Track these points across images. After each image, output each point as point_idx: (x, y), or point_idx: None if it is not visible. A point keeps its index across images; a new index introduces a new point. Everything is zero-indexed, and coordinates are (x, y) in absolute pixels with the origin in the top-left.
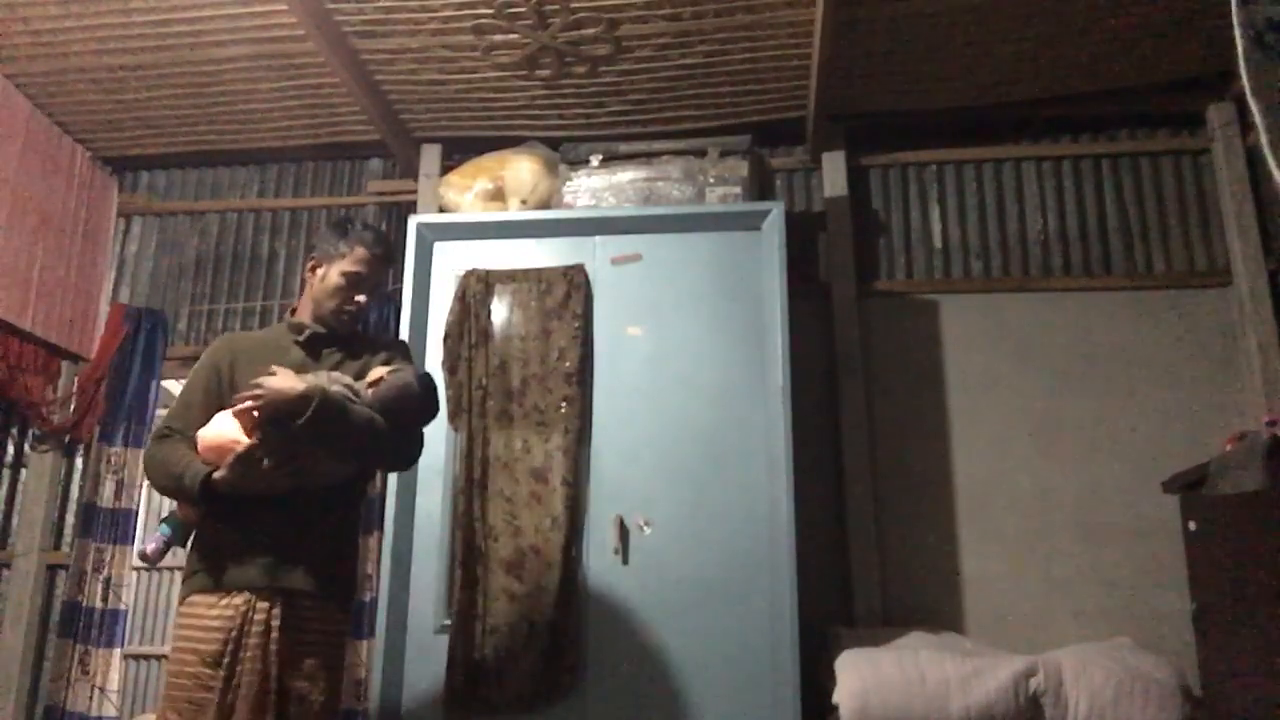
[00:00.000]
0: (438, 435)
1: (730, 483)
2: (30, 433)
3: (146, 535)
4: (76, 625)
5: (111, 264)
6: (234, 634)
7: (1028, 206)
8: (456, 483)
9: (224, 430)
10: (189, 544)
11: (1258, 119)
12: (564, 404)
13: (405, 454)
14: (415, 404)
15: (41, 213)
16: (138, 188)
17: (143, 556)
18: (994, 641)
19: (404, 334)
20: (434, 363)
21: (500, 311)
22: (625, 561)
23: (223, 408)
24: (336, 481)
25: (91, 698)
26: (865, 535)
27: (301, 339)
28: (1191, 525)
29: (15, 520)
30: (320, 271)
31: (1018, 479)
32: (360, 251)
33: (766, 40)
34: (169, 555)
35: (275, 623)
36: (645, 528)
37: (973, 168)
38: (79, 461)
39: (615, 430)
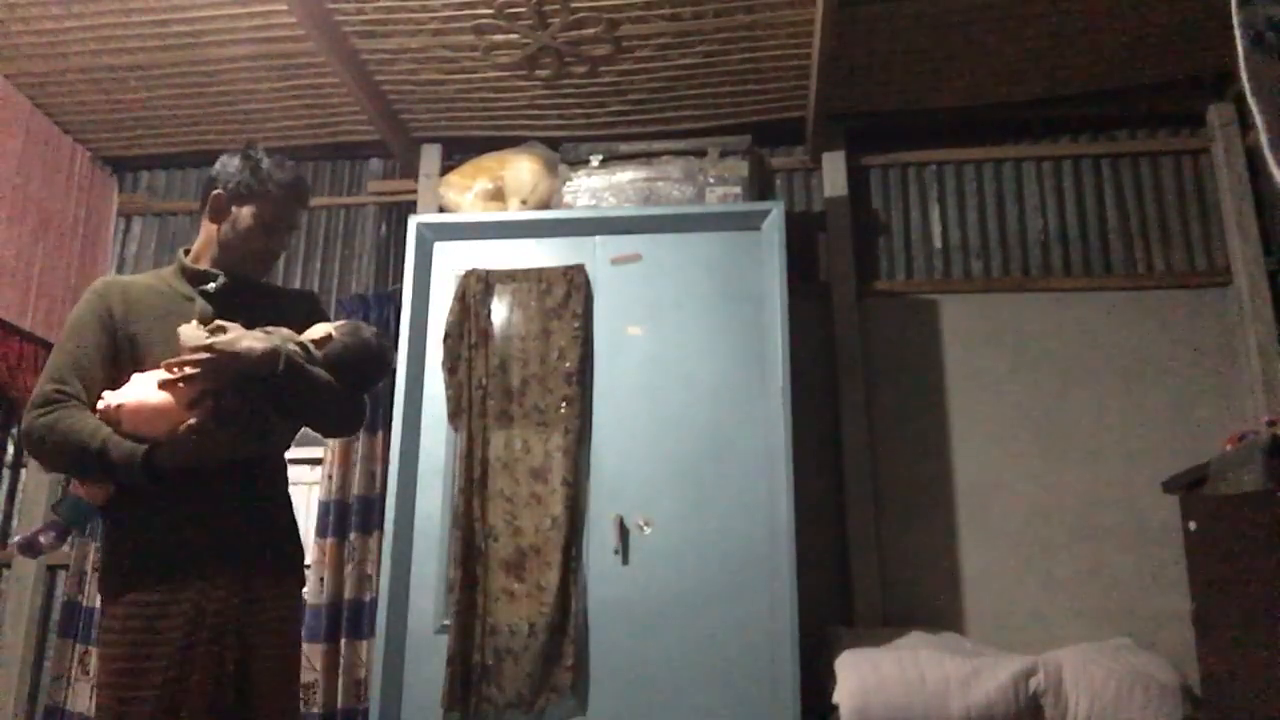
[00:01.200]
0: (438, 435)
1: (730, 483)
2: None
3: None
4: (76, 625)
5: (111, 264)
6: (187, 631)
7: (1028, 206)
8: (456, 483)
9: (154, 396)
10: (104, 532)
11: (1258, 119)
12: (564, 404)
13: (358, 417)
14: (375, 363)
15: (41, 213)
16: (138, 188)
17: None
18: (994, 641)
19: (404, 334)
20: (434, 363)
21: (500, 311)
22: (625, 561)
23: (119, 365)
24: (284, 446)
25: (91, 698)
26: (865, 535)
27: (211, 289)
28: (1191, 525)
29: (15, 520)
30: (229, 212)
31: (1018, 479)
32: (277, 190)
33: (766, 40)
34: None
35: (234, 612)
36: (645, 528)
37: (973, 168)
38: None
39: (615, 430)
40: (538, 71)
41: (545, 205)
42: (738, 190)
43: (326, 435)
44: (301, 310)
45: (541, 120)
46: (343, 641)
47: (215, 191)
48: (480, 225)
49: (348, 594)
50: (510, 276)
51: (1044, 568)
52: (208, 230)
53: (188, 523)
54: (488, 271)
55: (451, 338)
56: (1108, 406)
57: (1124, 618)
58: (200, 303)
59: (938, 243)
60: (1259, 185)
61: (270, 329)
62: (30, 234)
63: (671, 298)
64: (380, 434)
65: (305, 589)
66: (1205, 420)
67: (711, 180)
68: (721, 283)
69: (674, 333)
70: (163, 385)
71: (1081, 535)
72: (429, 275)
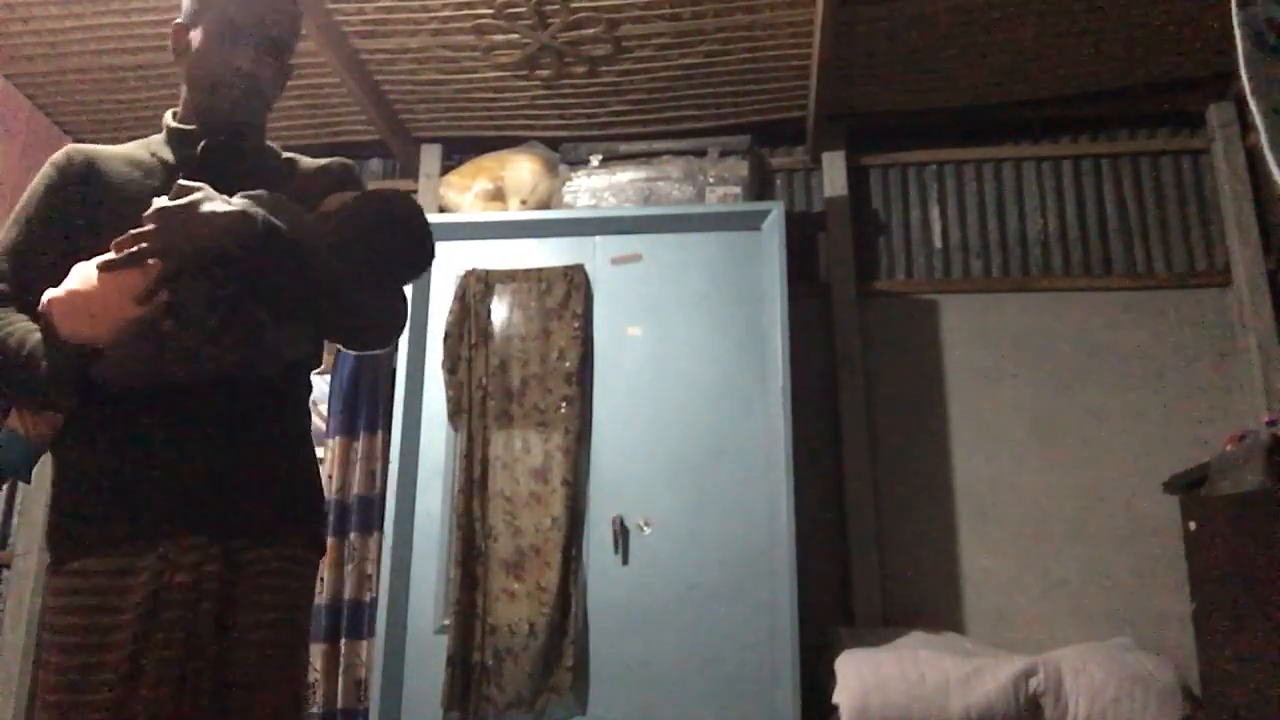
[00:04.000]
0: (438, 435)
1: (730, 483)
2: None
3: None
4: None
5: None
6: (144, 612)
7: (1028, 206)
8: (456, 483)
9: (93, 287)
10: (51, 480)
11: (1258, 119)
12: (564, 404)
13: (386, 316)
14: (402, 236)
15: None
16: None
17: None
18: (994, 641)
19: (404, 334)
20: (434, 363)
21: (500, 311)
22: (625, 561)
23: (79, 257)
24: (286, 363)
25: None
26: (865, 535)
27: (198, 151)
28: (1191, 525)
29: (15, 520)
30: (187, 40)
31: (1018, 479)
32: None
33: (766, 40)
34: None
35: (211, 585)
36: (645, 528)
37: (973, 168)
38: None
39: (615, 430)
40: (538, 71)
41: (545, 205)
42: (738, 190)
43: (349, 346)
44: (324, 181)
45: (541, 120)
46: (343, 641)
47: (175, 23)
48: (480, 225)
49: (348, 594)
50: (510, 276)
51: (1044, 568)
52: (182, 88)
53: (150, 463)
54: (488, 271)
55: (451, 338)
56: (1108, 406)
57: (1124, 618)
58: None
59: (938, 243)
60: (1259, 185)
61: (257, 192)
62: None
63: (671, 298)
64: (380, 434)
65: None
66: (1205, 420)
67: (711, 180)
68: (721, 283)
69: (674, 333)
70: (103, 269)
71: (1081, 535)
72: (429, 275)
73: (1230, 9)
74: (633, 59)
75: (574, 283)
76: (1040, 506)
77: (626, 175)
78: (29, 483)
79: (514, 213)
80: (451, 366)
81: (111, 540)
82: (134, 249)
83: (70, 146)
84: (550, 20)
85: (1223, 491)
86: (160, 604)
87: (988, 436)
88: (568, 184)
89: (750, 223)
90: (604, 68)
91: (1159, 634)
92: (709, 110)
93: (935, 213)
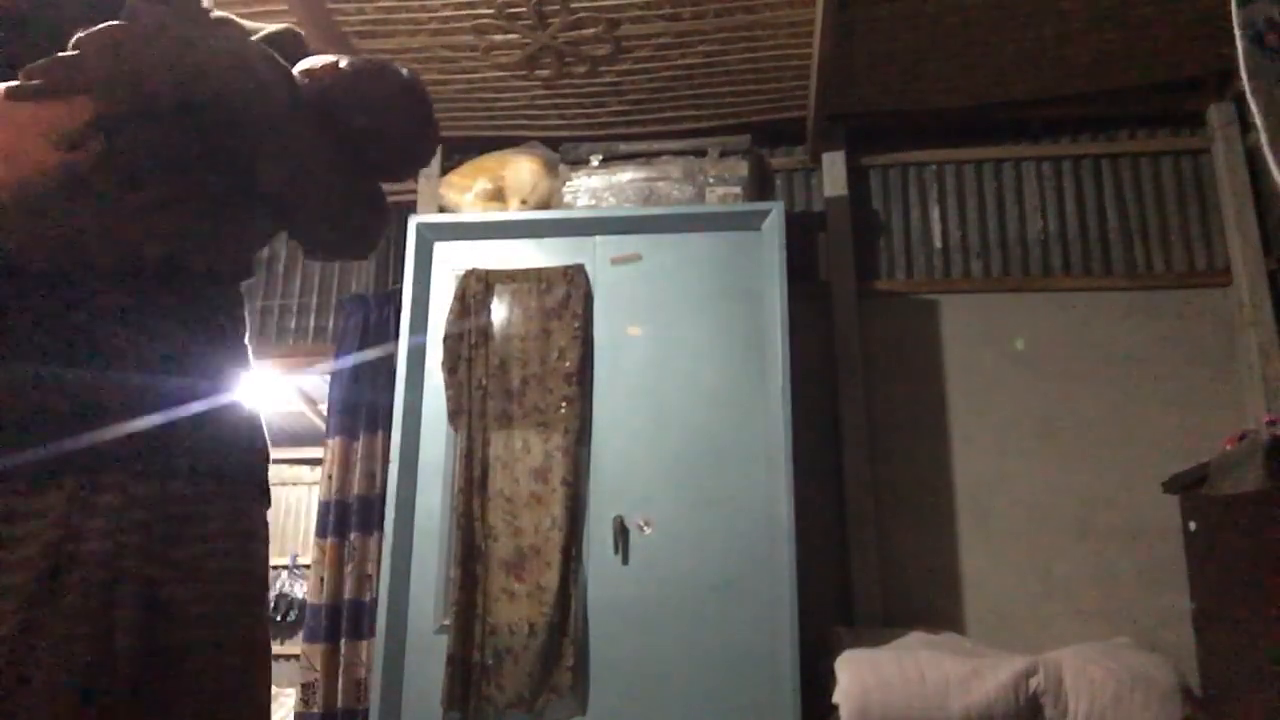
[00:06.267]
0: (438, 435)
1: (730, 483)
2: None
3: None
4: None
5: None
6: (41, 573)
7: (1028, 206)
8: (456, 483)
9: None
10: None
11: (1258, 119)
12: (564, 404)
13: (368, 217)
14: (405, 108)
15: None
16: None
17: None
18: (994, 641)
19: (403, 334)
20: (434, 363)
21: (500, 311)
22: (625, 561)
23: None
24: (243, 261)
25: None
26: (865, 535)
27: None
28: (1191, 525)
29: None
30: None
31: (1018, 479)
32: None
33: (766, 40)
34: None
35: (136, 537)
36: (645, 528)
37: (973, 168)
38: None
39: (615, 430)
40: (538, 71)
41: (545, 205)
42: (738, 190)
43: (313, 250)
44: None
45: (541, 120)
46: (343, 641)
47: None
48: (480, 225)
49: (348, 594)
50: (510, 276)
51: (1044, 568)
52: None
53: (57, 371)
54: (488, 271)
55: (451, 338)
56: (1108, 406)
57: (1124, 618)
58: None
59: (938, 243)
60: (1259, 185)
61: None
62: None
63: (671, 298)
64: (380, 434)
65: (272, 550)
66: (1205, 420)
67: (711, 180)
68: (721, 283)
69: (674, 333)
70: (11, 96)
71: (1081, 535)
72: (429, 275)
73: (1230, 9)
74: (633, 59)
75: (574, 283)
76: (1040, 506)
77: (626, 175)
78: None
79: (514, 213)
80: (451, 366)
81: (5, 473)
82: (59, 76)
83: None
84: (550, 20)
85: (1223, 491)
86: (62, 572)
87: (988, 436)
88: (568, 184)
89: (750, 223)
90: (604, 68)
91: (1159, 634)
92: (709, 110)
93: (935, 213)
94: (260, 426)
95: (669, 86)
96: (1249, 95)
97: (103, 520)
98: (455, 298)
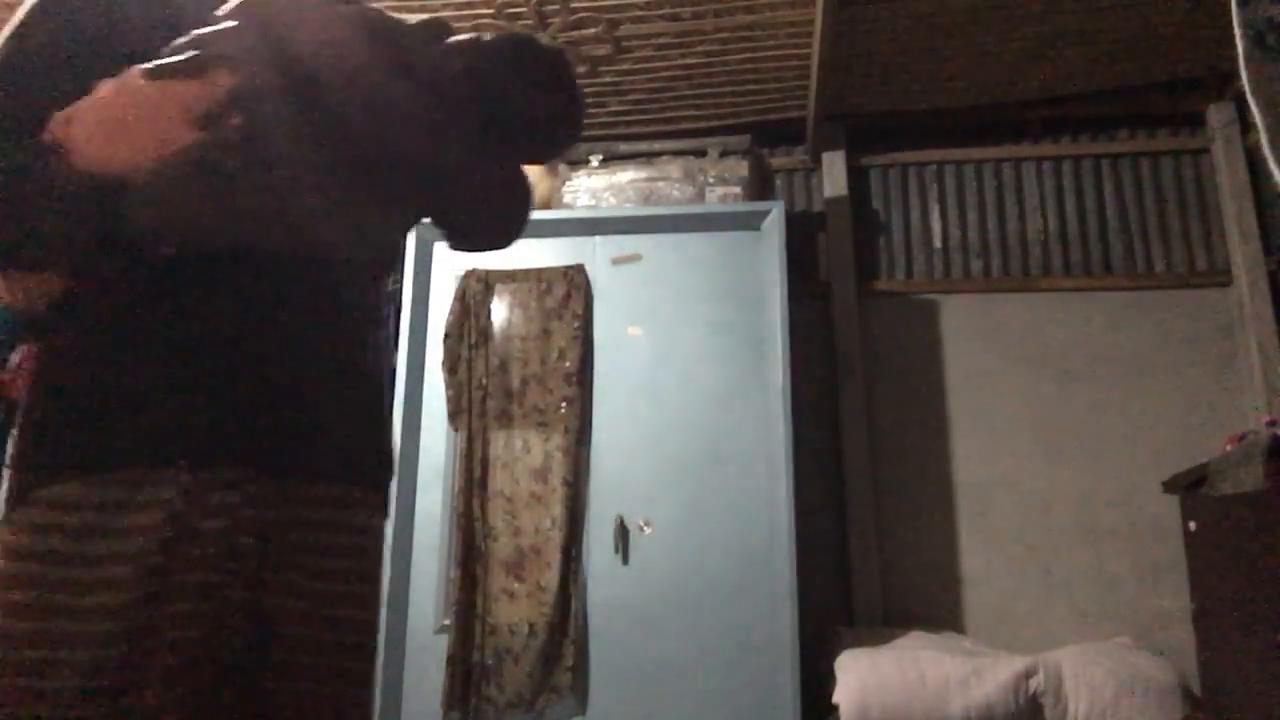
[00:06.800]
0: (438, 435)
1: (730, 483)
2: None
3: None
4: None
5: None
6: (151, 568)
7: (1028, 206)
8: (456, 483)
9: (132, 97)
10: (32, 375)
11: (1258, 119)
12: (564, 404)
13: (513, 204)
14: (554, 83)
15: None
16: None
17: None
18: (994, 641)
19: (403, 334)
20: (434, 363)
21: (500, 311)
22: (625, 561)
23: (102, 69)
24: (387, 250)
25: None
26: (865, 535)
27: None
28: (1191, 525)
29: None
30: None
31: (1018, 479)
32: None
33: (766, 40)
34: None
35: (250, 530)
36: (645, 528)
37: (973, 168)
38: None
39: (615, 430)
40: None
41: (545, 205)
42: (738, 190)
43: (458, 241)
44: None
45: None
46: None
47: None
48: None
49: None
50: (510, 276)
51: (1044, 568)
52: None
53: (178, 357)
54: (487, 272)
55: (451, 338)
56: (1108, 406)
57: (1124, 618)
58: None
59: (938, 243)
60: (1259, 185)
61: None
62: None
63: (671, 298)
64: None
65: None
66: (1205, 420)
67: (711, 180)
68: (721, 283)
69: (674, 333)
70: (150, 75)
71: (1081, 535)
72: (429, 275)
73: (1230, 9)
74: (633, 59)
75: (574, 283)
76: (1040, 506)
77: (626, 175)
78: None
79: None
80: (451, 366)
81: (105, 457)
82: (198, 52)
83: None
84: (550, 20)
85: (1223, 491)
86: (171, 567)
87: (988, 437)
88: (568, 184)
89: (750, 223)
90: (604, 68)
91: (1159, 634)
92: (709, 110)
93: (935, 213)
94: (389, 431)
95: (669, 86)
96: (1249, 95)
97: (218, 522)
98: (455, 298)
